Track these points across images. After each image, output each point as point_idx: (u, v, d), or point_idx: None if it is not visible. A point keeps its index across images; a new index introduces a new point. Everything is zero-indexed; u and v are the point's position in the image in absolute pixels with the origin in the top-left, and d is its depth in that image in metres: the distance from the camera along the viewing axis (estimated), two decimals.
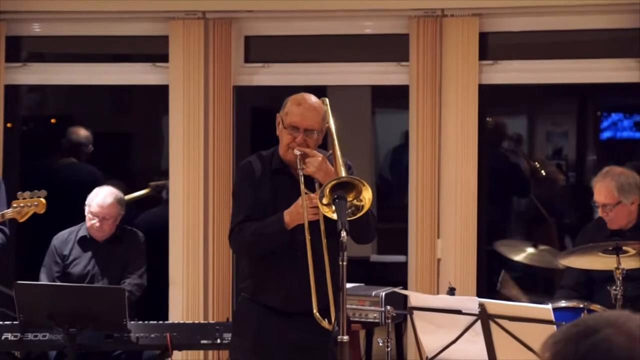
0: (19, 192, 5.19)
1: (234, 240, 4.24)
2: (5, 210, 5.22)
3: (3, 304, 5.84)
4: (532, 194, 7.50)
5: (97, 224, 5.65)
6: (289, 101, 4.21)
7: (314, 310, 3.94)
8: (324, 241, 3.98)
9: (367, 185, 3.90)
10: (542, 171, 7.45)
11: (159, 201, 6.99)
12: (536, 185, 7.51)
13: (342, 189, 3.89)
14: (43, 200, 5.16)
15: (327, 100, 4.28)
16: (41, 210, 5.17)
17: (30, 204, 5.14)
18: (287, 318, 4.17)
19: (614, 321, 1.74)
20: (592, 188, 5.14)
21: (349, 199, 3.89)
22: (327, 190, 3.87)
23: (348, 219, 3.85)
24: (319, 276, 4.00)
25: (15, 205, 5.16)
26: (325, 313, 4.10)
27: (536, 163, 7.49)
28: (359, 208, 3.91)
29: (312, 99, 4.20)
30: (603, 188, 5.06)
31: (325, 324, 3.97)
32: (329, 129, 4.21)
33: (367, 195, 3.89)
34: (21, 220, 5.22)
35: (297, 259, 4.04)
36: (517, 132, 7.43)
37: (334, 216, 3.87)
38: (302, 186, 4.03)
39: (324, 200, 3.88)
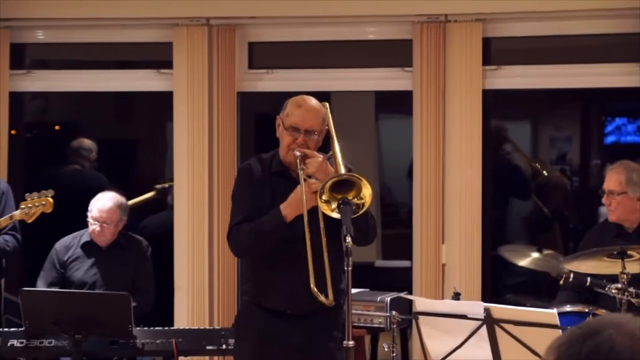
0: (27, 194, 5.22)
1: (232, 241, 4.26)
2: (14, 212, 5.25)
3: (9, 311, 5.86)
4: (534, 196, 7.50)
5: (98, 229, 5.64)
6: (289, 103, 4.25)
7: (312, 285, 3.97)
8: (324, 239, 4.00)
9: (366, 182, 3.94)
10: (544, 172, 7.46)
11: (164, 204, 6.99)
12: (540, 189, 7.51)
13: (343, 187, 3.94)
14: (50, 199, 5.18)
15: (327, 104, 4.32)
16: (48, 209, 5.19)
17: (38, 203, 5.16)
18: (289, 321, 4.18)
19: (616, 323, 1.76)
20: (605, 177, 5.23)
21: (350, 197, 3.92)
22: (327, 187, 3.91)
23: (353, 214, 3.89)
24: (321, 269, 4.02)
25: (23, 206, 5.19)
26: (329, 314, 4.15)
27: (537, 164, 7.50)
28: (359, 206, 3.93)
29: (312, 100, 4.26)
30: (613, 175, 5.17)
31: (322, 298, 3.99)
32: (329, 131, 4.24)
33: (367, 192, 3.93)
34: (29, 221, 5.24)
35: (297, 261, 4.05)
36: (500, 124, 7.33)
37: (333, 214, 3.92)
38: (302, 180, 4.05)
39: (324, 197, 3.91)
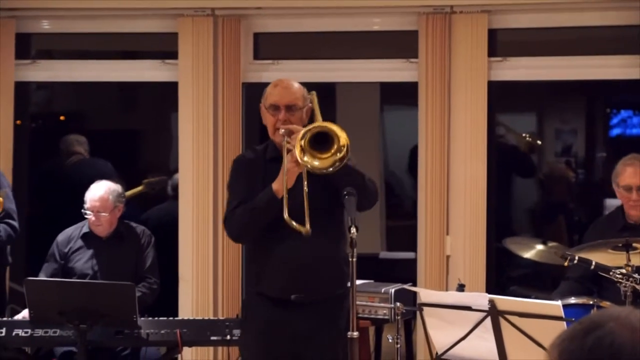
0: None
1: (228, 225, 4.33)
2: None
3: (14, 301, 5.87)
4: (539, 188, 7.51)
5: (93, 219, 5.62)
6: (267, 88, 4.37)
7: (285, 215, 4.01)
8: (305, 182, 4.05)
9: (338, 126, 4.03)
10: (538, 141, 7.47)
11: (155, 199, 7.00)
12: (545, 181, 7.51)
13: (323, 145, 4.02)
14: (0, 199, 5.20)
15: (314, 92, 4.42)
16: None
17: None
18: (294, 310, 4.20)
19: (616, 315, 1.77)
20: (618, 175, 5.10)
21: (332, 152, 4.00)
22: (307, 144, 3.99)
23: (337, 169, 3.99)
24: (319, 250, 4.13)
25: None
26: (334, 303, 4.18)
27: (527, 136, 7.50)
28: (343, 158, 4.00)
29: (290, 80, 4.38)
30: (635, 170, 5.06)
31: (296, 225, 4.00)
32: (313, 111, 4.33)
33: (343, 136, 4.00)
34: None
35: (293, 242, 4.10)
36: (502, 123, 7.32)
37: (315, 163, 4.00)
38: (285, 152, 4.09)
39: (302, 143, 3.98)
